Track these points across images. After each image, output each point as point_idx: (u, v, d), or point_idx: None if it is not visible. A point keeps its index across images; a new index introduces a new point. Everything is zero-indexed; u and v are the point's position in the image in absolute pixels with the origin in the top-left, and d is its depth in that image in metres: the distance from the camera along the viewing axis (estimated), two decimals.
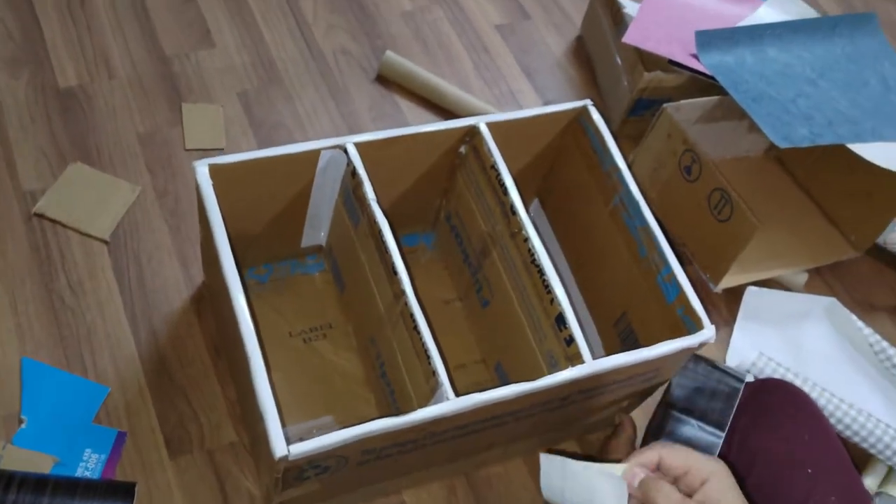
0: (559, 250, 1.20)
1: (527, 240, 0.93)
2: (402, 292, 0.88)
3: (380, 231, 0.92)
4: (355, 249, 1.01)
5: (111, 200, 1.20)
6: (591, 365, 0.85)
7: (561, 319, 0.89)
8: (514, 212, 0.95)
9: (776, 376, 1.13)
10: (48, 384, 1.06)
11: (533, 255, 0.93)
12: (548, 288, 0.90)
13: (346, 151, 0.96)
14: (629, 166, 1.09)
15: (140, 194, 1.22)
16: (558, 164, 1.16)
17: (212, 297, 1.13)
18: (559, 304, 0.89)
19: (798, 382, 1.13)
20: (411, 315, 0.87)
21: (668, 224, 1.28)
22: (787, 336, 1.24)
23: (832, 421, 1.09)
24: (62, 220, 1.17)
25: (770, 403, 0.93)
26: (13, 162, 1.21)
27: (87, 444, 1.02)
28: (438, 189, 1.12)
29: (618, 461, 0.83)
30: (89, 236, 1.16)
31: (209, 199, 0.90)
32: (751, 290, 1.25)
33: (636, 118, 1.41)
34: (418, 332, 0.86)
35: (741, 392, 0.93)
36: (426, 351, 0.85)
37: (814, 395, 1.12)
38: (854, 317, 1.25)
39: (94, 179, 1.21)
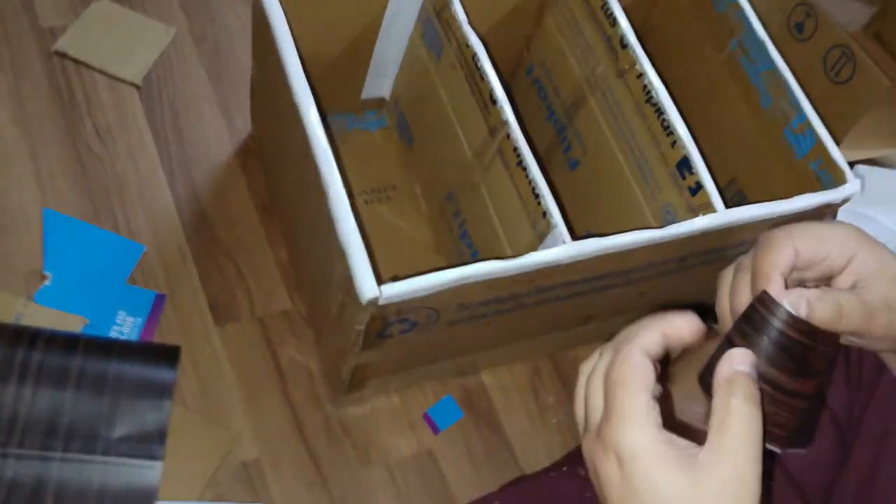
0: None
1: (641, 75, 0.81)
2: (504, 122, 0.76)
3: (474, 55, 0.79)
4: (435, 89, 0.88)
5: (142, 42, 1.07)
6: (724, 214, 0.74)
7: (685, 164, 0.77)
8: (624, 44, 0.82)
9: None
10: (75, 239, 0.94)
11: (649, 91, 0.80)
12: (668, 129, 0.78)
13: None
14: None
15: (175, 38, 1.08)
16: (655, 9, 1.03)
17: (262, 149, 1.01)
18: (683, 147, 0.76)
19: None
20: (515, 149, 0.75)
21: None
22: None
23: None
24: (87, 61, 1.03)
25: None
26: None
27: (120, 305, 0.91)
28: (520, 37, 0.99)
29: None
30: (118, 79, 1.03)
31: (272, 6, 0.76)
32: (859, 168, 1.14)
33: None
34: (523, 168, 0.74)
35: None
36: (534, 189, 0.73)
37: None
38: None
39: (123, 18, 1.07)
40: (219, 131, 1.03)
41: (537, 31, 0.97)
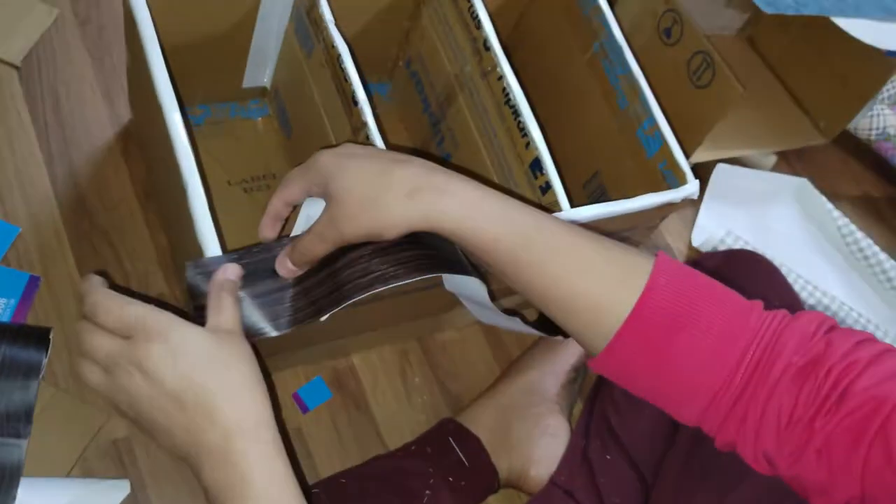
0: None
1: (501, 78, 0.87)
2: (364, 124, 0.81)
3: (338, 57, 0.84)
4: (307, 84, 0.93)
5: (22, 21, 1.08)
6: (568, 214, 0.81)
7: (537, 164, 0.83)
8: (487, 47, 0.88)
9: None
10: None
11: (507, 94, 0.86)
12: (523, 131, 0.84)
13: None
14: None
15: (57, 19, 1.09)
16: (530, 9, 1.09)
17: (141, 135, 1.04)
18: (535, 148, 0.83)
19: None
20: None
21: None
22: (754, 216, 1.22)
23: None
24: None
25: (739, 272, 0.91)
26: None
27: None
28: (399, 29, 1.04)
29: None
30: None
31: (138, 5, 0.80)
32: (721, 167, 1.22)
33: None
34: None
35: None
36: None
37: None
38: (825, 199, 1.24)
39: None
40: (100, 115, 1.06)
41: (414, 24, 1.03)
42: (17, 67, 1.05)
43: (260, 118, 1.09)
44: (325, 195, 0.66)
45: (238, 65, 1.02)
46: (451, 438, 0.90)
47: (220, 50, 0.98)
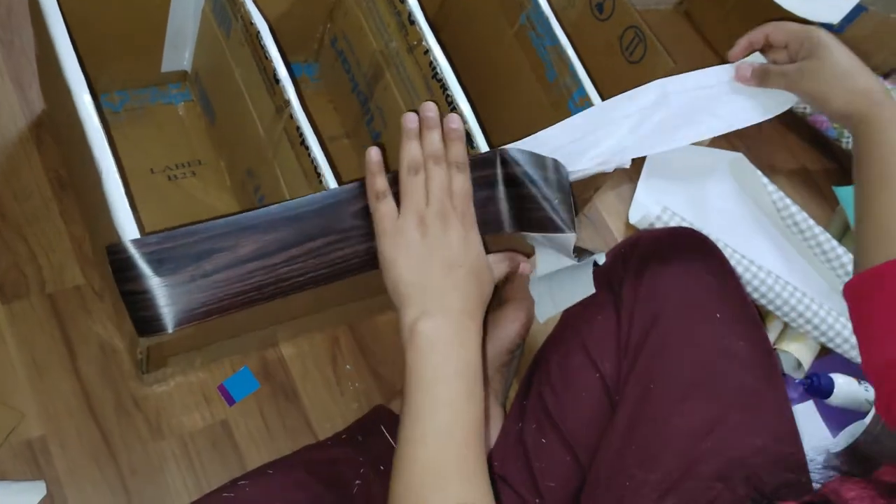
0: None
1: (427, 52, 0.85)
2: (287, 103, 0.79)
3: (257, 34, 0.82)
4: (228, 64, 0.90)
5: None
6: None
7: (467, 139, 0.81)
8: (412, 21, 0.87)
9: None
10: None
11: (434, 68, 0.84)
12: (452, 105, 0.83)
13: None
14: None
15: None
16: None
17: (55, 122, 1.01)
18: (465, 122, 0.81)
19: None
20: (297, 129, 0.78)
21: None
22: (691, 192, 1.22)
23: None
24: None
25: (677, 249, 0.91)
26: None
27: None
28: (323, 6, 1.03)
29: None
30: None
31: None
32: None
33: None
34: (306, 147, 0.77)
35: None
36: (316, 168, 0.76)
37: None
38: (759, 173, 1.24)
39: None
40: (10, 104, 1.02)
41: (338, 1, 1.01)
42: None
43: (181, 103, 1.07)
44: (810, 52, 0.80)
45: (155, 48, 0.99)
46: (382, 426, 0.89)
47: (136, 33, 0.95)
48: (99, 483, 0.87)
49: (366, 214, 0.69)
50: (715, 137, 1.30)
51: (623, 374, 0.80)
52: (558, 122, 0.90)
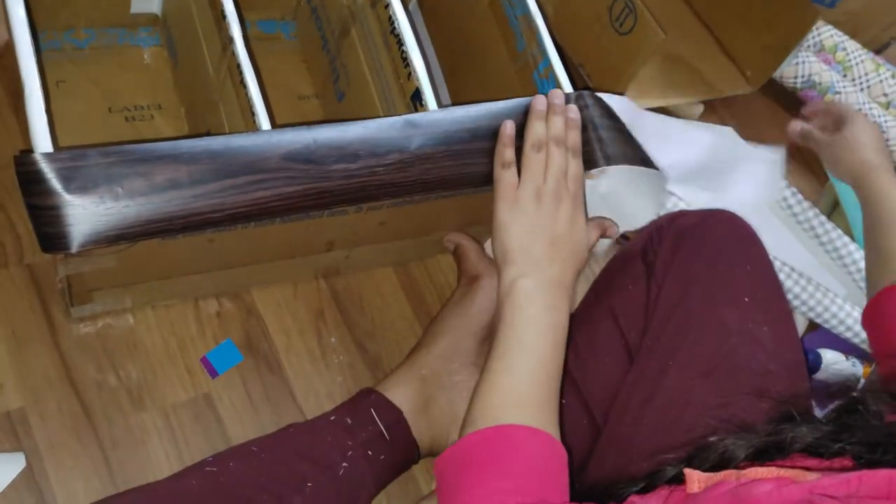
0: (435, 58, 1.11)
1: (388, 6, 0.84)
2: (231, 40, 0.78)
3: None
4: (188, 6, 0.90)
5: None
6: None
7: (417, 96, 0.80)
8: None
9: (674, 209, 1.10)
10: None
11: (393, 23, 0.83)
12: (406, 61, 0.81)
13: None
14: None
15: None
16: None
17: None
18: (416, 79, 0.80)
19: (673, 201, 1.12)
20: (238, 66, 0.77)
21: (565, 44, 1.19)
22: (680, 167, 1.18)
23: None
24: None
25: (713, 229, 0.88)
26: None
27: None
28: None
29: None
30: None
31: None
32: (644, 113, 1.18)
33: None
34: (244, 86, 0.76)
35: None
36: (251, 107, 0.75)
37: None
38: (751, 147, 1.21)
39: None
40: None
41: None
42: None
43: (149, 47, 1.07)
44: (841, 125, 1.06)
45: None
46: (372, 410, 0.88)
47: None
48: (80, 455, 0.88)
49: (295, 158, 0.69)
50: (706, 112, 1.31)
51: (645, 347, 0.81)
52: (524, 91, 0.89)
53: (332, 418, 0.88)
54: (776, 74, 1.34)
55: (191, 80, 0.98)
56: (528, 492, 0.63)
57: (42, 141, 0.66)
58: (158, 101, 1.04)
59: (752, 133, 1.28)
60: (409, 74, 0.81)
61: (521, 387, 0.70)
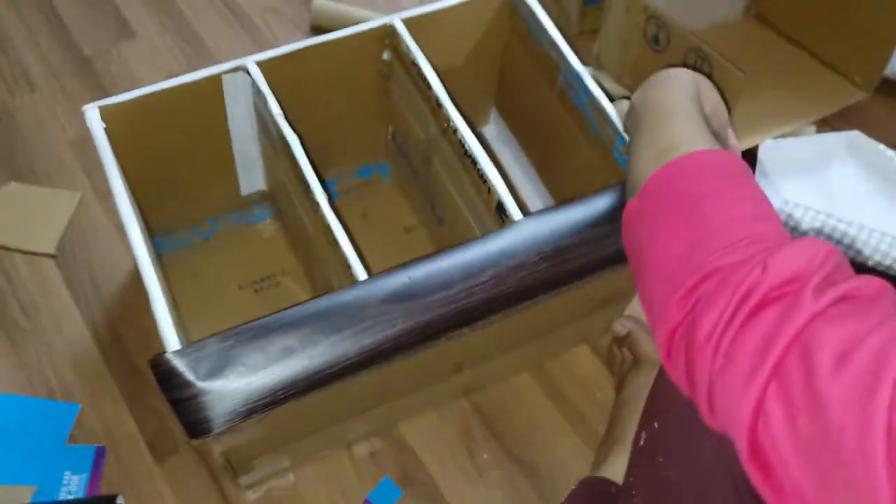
0: (522, 155, 1.17)
1: (456, 131, 0.89)
2: (316, 205, 0.86)
3: (289, 148, 0.89)
4: (280, 177, 0.99)
5: (52, 212, 1.20)
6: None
7: (501, 208, 0.84)
8: (440, 104, 0.91)
9: (814, 223, 1.10)
10: (13, 414, 1.06)
11: (464, 145, 0.88)
12: (483, 177, 0.86)
13: (247, 72, 0.94)
14: (596, 58, 1.03)
15: (81, 200, 1.21)
16: (504, 61, 1.11)
17: None
18: (496, 192, 0.84)
19: (832, 223, 1.09)
20: (328, 227, 0.84)
21: None
22: (813, 182, 1.17)
23: (869, 252, 1.08)
24: (4, 244, 1.17)
25: None
26: None
27: (64, 466, 1.02)
28: (377, 108, 1.09)
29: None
30: (34, 254, 1.16)
31: (103, 147, 0.88)
32: (765, 143, 1.19)
33: (594, 7, 1.33)
34: (338, 244, 0.83)
35: None
36: (346, 261, 0.82)
37: (852, 231, 1.08)
38: (881, 145, 1.18)
39: (31, 195, 1.22)
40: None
41: (388, 100, 1.07)
42: (53, 256, 1.17)
43: (264, 221, 1.17)
44: None
45: (230, 174, 1.09)
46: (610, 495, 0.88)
47: (211, 164, 1.05)
48: None
49: (394, 299, 0.75)
50: (822, 129, 1.28)
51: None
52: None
53: None
54: (886, 72, 1.28)
55: (300, 243, 1.07)
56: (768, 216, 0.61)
57: (171, 341, 0.75)
58: (281, 267, 1.14)
59: (875, 137, 1.25)
60: (489, 189, 0.86)
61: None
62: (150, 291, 0.78)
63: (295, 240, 1.10)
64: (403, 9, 1.00)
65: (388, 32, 0.99)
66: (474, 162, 0.87)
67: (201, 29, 1.42)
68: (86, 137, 1.25)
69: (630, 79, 1.23)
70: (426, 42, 0.97)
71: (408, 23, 0.98)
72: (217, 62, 0.95)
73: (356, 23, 1.33)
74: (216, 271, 1.13)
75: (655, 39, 1.15)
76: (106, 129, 0.90)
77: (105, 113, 0.91)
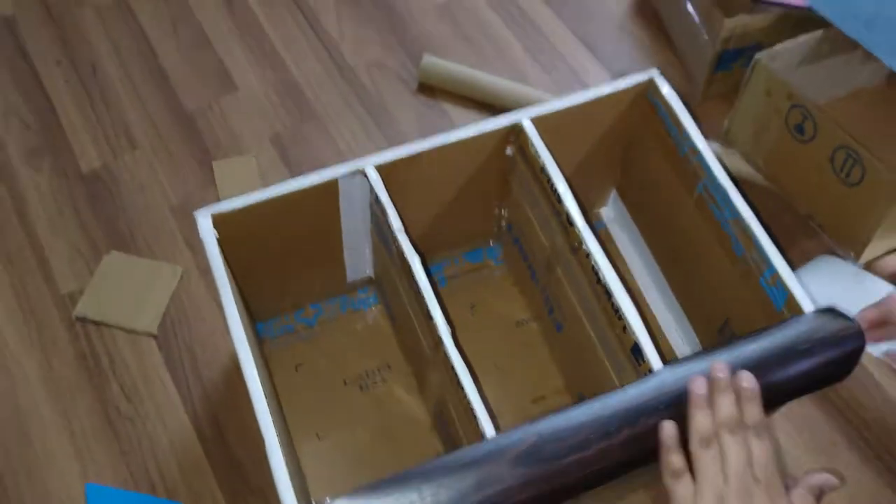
0: (644, 246, 1.11)
1: (588, 255, 0.84)
2: (440, 341, 0.81)
3: (410, 268, 0.85)
4: (395, 280, 0.95)
5: (153, 288, 1.18)
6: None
7: (637, 351, 0.79)
8: (571, 223, 0.87)
9: None
10: None
11: (597, 274, 0.83)
12: (618, 313, 0.80)
13: (366, 176, 0.91)
14: (725, 133, 0.96)
15: (183, 276, 1.20)
16: (632, 150, 1.05)
17: None
18: (633, 333, 0.79)
19: None
20: (453, 368, 0.80)
21: (786, 195, 1.15)
22: None
23: None
24: (105, 320, 1.16)
25: None
26: (46, 262, 1.21)
27: None
28: (492, 196, 1.05)
29: None
30: (135, 332, 1.15)
31: (213, 254, 0.87)
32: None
33: (724, 73, 1.26)
34: (462, 389, 0.79)
35: None
36: (473, 412, 0.77)
37: None
38: None
39: (132, 267, 1.20)
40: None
41: (506, 190, 1.03)
42: (154, 336, 1.15)
43: (370, 307, 1.14)
44: None
45: (338, 261, 1.07)
46: None
47: (319, 255, 1.03)
48: None
49: (525, 462, 0.70)
50: None
51: None
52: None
53: None
54: None
55: (409, 343, 1.04)
56: None
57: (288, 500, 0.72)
58: (387, 360, 1.10)
59: None
60: (624, 328, 0.80)
61: None
62: (268, 441, 0.76)
63: (405, 340, 1.07)
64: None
65: (515, 130, 0.94)
66: (608, 294, 0.82)
67: (306, 85, 1.38)
68: (186, 203, 1.26)
69: (764, 163, 1.16)
70: (553, 139, 0.92)
71: (537, 122, 0.93)
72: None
73: (466, 84, 1.30)
74: (320, 363, 1.10)
75: (799, 129, 1.08)
76: (218, 239, 0.88)
77: (217, 219, 0.89)
